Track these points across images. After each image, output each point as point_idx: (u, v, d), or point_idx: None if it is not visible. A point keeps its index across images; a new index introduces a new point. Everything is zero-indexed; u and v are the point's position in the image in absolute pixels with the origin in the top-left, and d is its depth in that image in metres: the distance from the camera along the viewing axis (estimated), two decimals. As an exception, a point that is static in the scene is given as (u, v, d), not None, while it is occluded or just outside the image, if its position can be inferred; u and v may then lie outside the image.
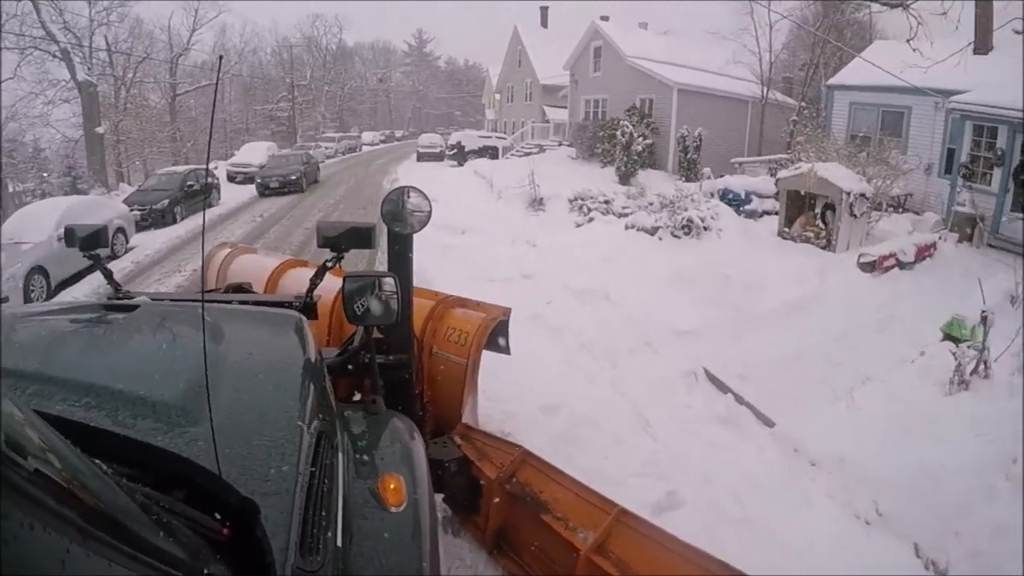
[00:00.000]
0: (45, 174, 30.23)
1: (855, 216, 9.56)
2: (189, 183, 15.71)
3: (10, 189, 26.14)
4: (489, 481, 2.90)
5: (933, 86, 11.01)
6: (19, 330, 1.81)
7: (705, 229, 9.28)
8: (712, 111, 19.86)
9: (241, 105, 49.42)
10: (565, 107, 27.46)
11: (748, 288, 7.28)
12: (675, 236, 9.32)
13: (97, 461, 0.89)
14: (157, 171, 18.87)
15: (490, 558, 2.99)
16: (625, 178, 16.35)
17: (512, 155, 26.34)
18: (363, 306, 2.14)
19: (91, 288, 9.18)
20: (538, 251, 9.62)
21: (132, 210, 13.67)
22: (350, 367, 2.41)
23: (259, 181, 19.91)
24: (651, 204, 14.30)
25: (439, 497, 2.90)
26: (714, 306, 6.87)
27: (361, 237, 2.59)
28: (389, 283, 2.18)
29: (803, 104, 18.22)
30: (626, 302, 7.06)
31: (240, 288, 3.10)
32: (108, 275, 2.80)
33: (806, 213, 10.20)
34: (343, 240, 2.59)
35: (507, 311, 3.57)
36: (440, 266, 8.46)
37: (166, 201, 14.79)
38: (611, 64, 22.44)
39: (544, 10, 36.83)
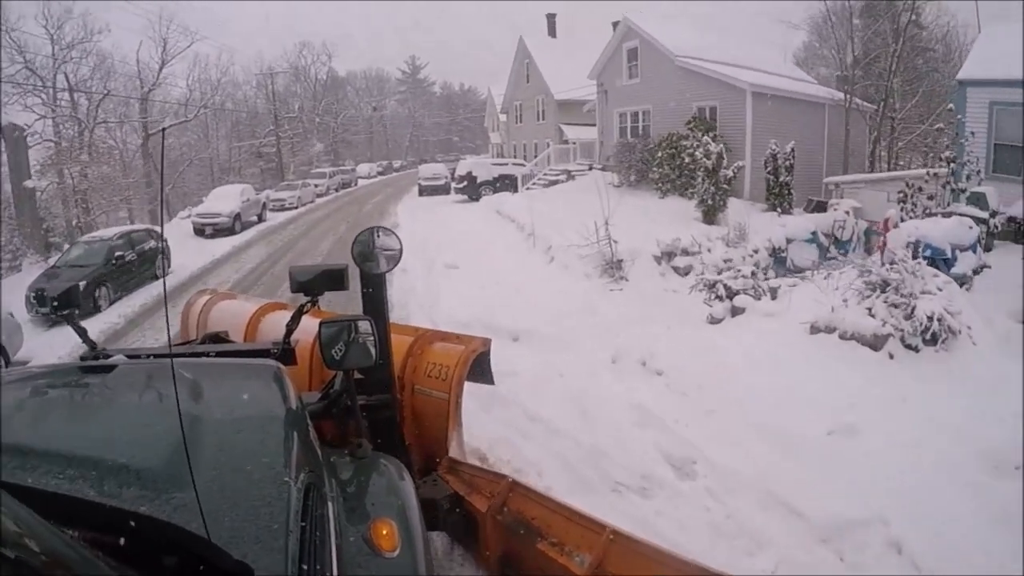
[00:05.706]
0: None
1: None
2: (118, 254, 11.51)
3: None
4: (481, 514, 2.77)
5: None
6: None
7: (952, 333, 5.04)
8: (787, 119, 15.80)
9: (228, 142, 45.54)
10: (588, 124, 23.45)
11: None
12: (909, 348, 5.09)
13: (77, 535, 0.85)
14: (80, 238, 13.98)
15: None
16: (711, 214, 12.08)
17: (534, 185, 22.21)
18: (340, 351, 2.10)
19: None
20: (672, 389, 5.24)
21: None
22: (333, 411, 2.35)
23: None
24: (755, 254, 10.37)
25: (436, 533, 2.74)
26: None
27: (333, 279, 2.55)
28: (365, 326, 2.15)
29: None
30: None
31: (217, 338, 3.01)
32: (83, 333, 2.61)
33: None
34: (316, 283, 2.56)
35: (487, 342, 3.41)
36: (490, 443, 4.34)
37: (83, 282, 10.08)
38: (653, 67, 18.37)
39: (551, 18, 33.12)
